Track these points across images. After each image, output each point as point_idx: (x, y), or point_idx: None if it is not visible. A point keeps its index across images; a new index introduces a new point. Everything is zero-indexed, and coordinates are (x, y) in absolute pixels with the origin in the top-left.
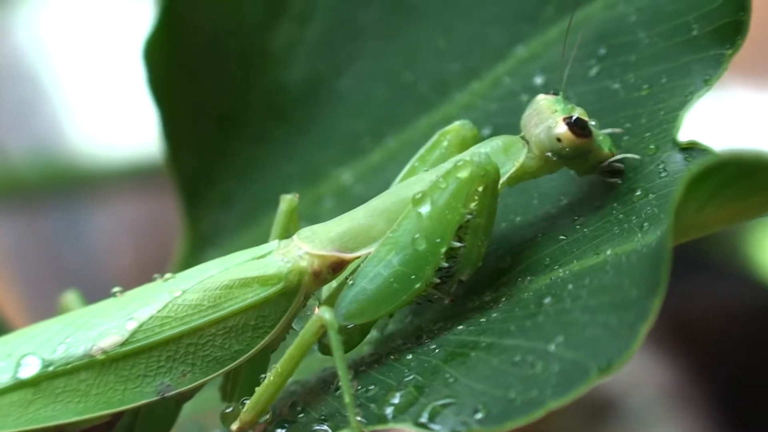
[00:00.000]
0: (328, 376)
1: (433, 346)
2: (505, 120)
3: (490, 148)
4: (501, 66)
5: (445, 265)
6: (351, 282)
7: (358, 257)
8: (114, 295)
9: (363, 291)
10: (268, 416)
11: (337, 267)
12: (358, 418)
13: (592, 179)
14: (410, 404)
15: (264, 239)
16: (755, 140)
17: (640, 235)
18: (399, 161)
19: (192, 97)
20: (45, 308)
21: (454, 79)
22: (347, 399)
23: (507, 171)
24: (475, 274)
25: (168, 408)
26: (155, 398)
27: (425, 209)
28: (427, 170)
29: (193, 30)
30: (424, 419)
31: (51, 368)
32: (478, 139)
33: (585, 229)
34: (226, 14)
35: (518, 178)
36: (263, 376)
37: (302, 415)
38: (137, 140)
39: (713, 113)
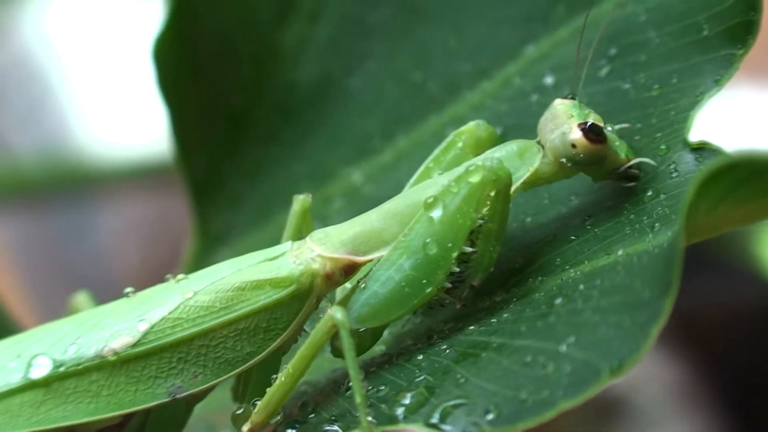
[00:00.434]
0: (338, 377)
1: (444, 347)
2: (516, 120)
3: (504, 152)
4: (512, 66)
5: (457, 270)
6: (363, 285)
7: (371, 260)
8: (126, 295)
9: (375, 295)
10: (278, 417)
11: (349, 270)
12: (369, 419)
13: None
14: (421, 405)
15: (274, 240)
16: (764, 140)
17: (651, 235)
18: (409, 161)
19: (202, 96)
20: (53, 308)
21: (464, 79)
22: (358, 399)
23: (521, 176)
24: (486, 278)
25: (179, 409)
26: (166, 399)
27: (437, 213)
28: (441, 173)
29: (202, 29)
30: (435, 420)
31: (62, 369)
32: (495, 139)
33: (596, 230)
34: (236, 13)
35: (532, 183)
36: (274, 377)
37: (313, 415)
38: (146, 140)
39: (722, 113)
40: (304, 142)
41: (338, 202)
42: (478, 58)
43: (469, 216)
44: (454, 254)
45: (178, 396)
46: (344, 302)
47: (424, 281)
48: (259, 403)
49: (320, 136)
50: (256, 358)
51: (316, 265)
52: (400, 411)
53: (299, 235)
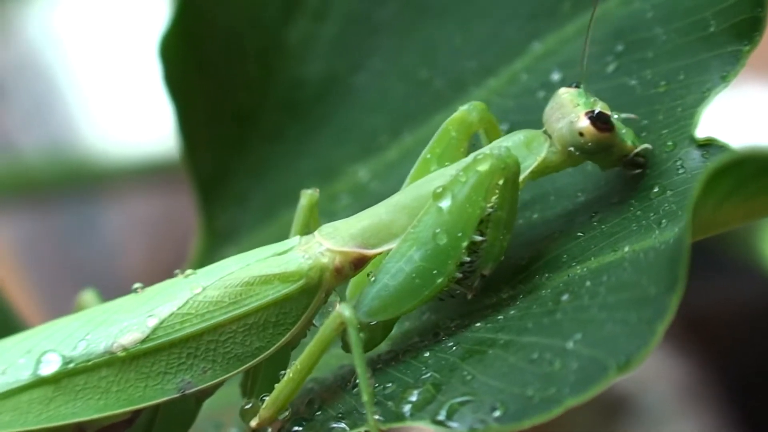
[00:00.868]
0: (345, 374)
1: (451, 344)
2: (522, 117)
3: (511, 142)
4: (518, 62)
5: (467, 259)
6: (373, 279)
7: (380, 253)
8: (134, 291)
9: (385, 287)
10: (287, 413)
11: (358, 263)
12: (376, 416)
13: (610, 176)
14: (428, 402)
15: (280, 237)
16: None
17: (657, 232)
18: (415, 158)
19: (208, 93)
20: (60, 306)
21: (470, 76)
22: (366, 397)
23: (529, 165)
24: (493, 272)
25: (188, 405)
26: (176, 395)
27: (446, 203)
28: (448, 164)
29: (209, 26)
30: (441, 417)
31: (71, 365)
32: (488, 119)
33: (602, 226)
34: (242, 10)
35: (540, 172)
36: (283, 372)
37: (319, 412)
38: (152, 137)
39: (728, 110)
40: (310, 140)
41: (345, 199)
42: (484, 54)
43: (479, 205)
44: (464, 244)
45: (187, 392)
46: (353, 297)
47: (435, 272)
48: (267, 398)
49: (326, 133)
50: (265, 353)
51: (325, 260)
52: (407, 408)
53: (307, 230)
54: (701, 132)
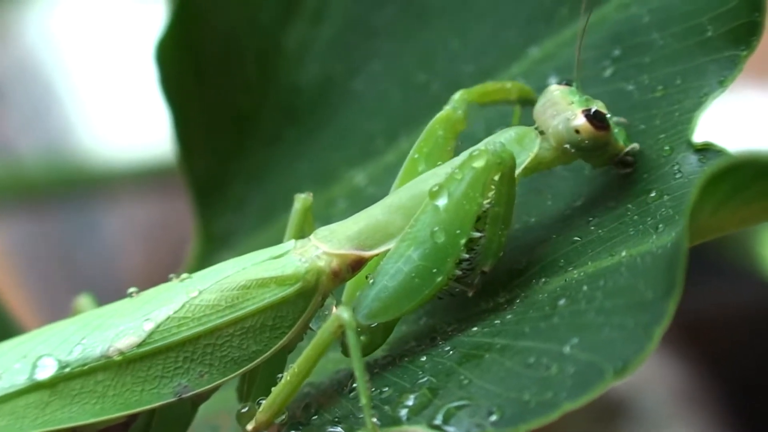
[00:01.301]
0: (342, 378)
1: (447, 348)
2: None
3: (504, 138)
4: (515, 67)
5: (466, 256)
6: (371, 281)
7: (377, 254)
8: (130, 295)
9: (384, 288)
10: (283, 417)
11: (356, 265)
12: (374, 420)
13: (607, 180)
14: (424, 406)
15: (277, 241)
16: (765, 142)
17: (654, 236)
18: None
19: (205, 98)
20: (57, 310)
21: (467, 80)
22: (364, 400)
23: (522, 162)
24: (490, 276)
25: (184, 409)
26: (172, 399)
27: (443, 201)
28: (440, 164)
29: (205, 30)
30: (438, 421)
31: (67, 369)
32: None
33: (600, 231)
34: (239, 14)
35: (533, 168)
36: (280, 376)
37: (316, 417)
38: (149, 141)
39: (725, 114)
40: (307, 144)
41: (342, 203)
42: (481, 59)
43: (476, 201)
44: (463, 241)
45: (184, 396)
46: (351, 300)
47: (434, 270)
48: (264, 402)
49: (323, 137)
50: (262, 357)
51: (321, 263)
52: (403, 412)
53: (301, 234)
54: (698, 137)
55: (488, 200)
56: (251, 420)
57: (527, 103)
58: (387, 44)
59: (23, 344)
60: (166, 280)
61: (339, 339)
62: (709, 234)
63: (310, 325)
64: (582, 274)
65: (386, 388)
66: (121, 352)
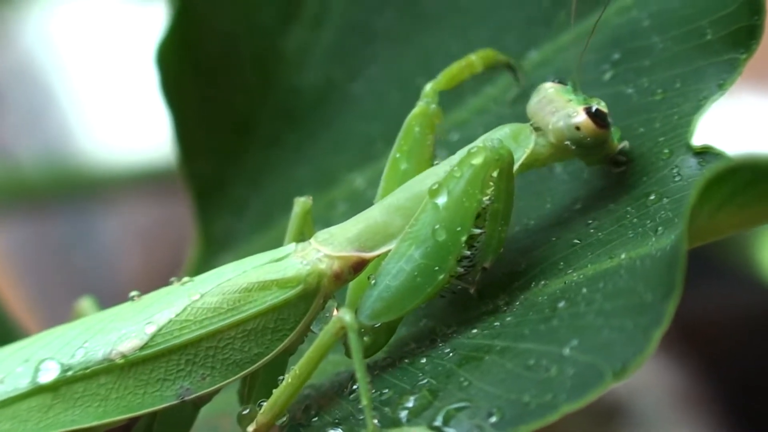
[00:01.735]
0: (342, 380)
1: (447, 350)
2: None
3: (500, 134)
4: None
5: (467, 253)
6: (373, 281)
7: (378, 255)
8: (131, 299)
9: (387, 288)
10: (284, 419)
11: (358, 267)
12: (375, 421)
13: (606, 183)
14: (424, 408)
15: (277, 244)
16: (766, 145)
17: (654, 239)
18: None
19: (205, 101)
20: (57, 314)
21: (467, 84)
22: (365, 401)
23: (518, 158)
24: (490, 278)
25: (186, 411)
26: (175, 402)
27: (442, 200)
28: (437, 162)
29: (206, 34)
30: (438, 423)
31: (70, 373)
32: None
33: (599, 233)
34: (239, 18)
35: (529, 165)
36: (281, 378)
37: (316, 418)
38: (149, 145)
39: (725, 118)
40: (307, 147)
41: (341, 206)
42: None
43: (475, 198)
44: (464, 238)
45: (186, 398)
46: (353, 302)
47: (436, 268)
48: (265, 404)
49: (323, 141)
50: (263, 359)
51: (322, 266)
52: (403, 414)
53: (301, 237)
54: (698, 140)
55: (487, 197)
56: (252, 422)
57: (496, 66)
58: (386, 48)
59: (25, 348)
60: (165, 283)
61: (343, 341)
62: (708, 237)
63: (312, 327)
64: (581, 276)
65: (386, 390)
66: (124, 355)
